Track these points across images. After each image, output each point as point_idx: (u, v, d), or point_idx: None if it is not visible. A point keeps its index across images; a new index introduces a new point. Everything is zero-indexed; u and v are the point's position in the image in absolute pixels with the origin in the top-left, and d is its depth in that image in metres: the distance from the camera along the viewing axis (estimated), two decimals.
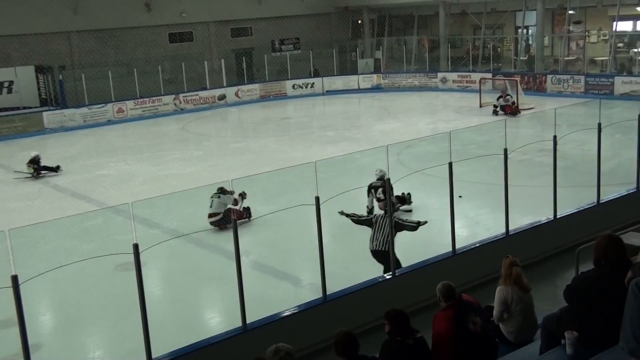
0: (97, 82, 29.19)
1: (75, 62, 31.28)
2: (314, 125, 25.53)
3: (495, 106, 24.59)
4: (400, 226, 9.36)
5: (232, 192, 13.14)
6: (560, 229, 10.59)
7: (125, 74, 30.60)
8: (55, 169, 19.45)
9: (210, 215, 13.09)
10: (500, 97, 24.78)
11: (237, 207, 13.03)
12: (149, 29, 33.22)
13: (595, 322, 5.27)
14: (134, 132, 26.58)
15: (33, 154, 19.43)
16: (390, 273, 8.72)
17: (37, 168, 19.12)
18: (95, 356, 8.90)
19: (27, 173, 19.09)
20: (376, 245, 9.44)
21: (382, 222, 9.40)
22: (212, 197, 13.23)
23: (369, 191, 13.61)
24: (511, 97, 24.77)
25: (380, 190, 13.19)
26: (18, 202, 16.38)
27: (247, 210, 13.21)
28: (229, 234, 7.08)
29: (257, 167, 17.21)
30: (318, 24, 38.06)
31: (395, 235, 9.04)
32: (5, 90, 28.87)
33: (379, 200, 13.14)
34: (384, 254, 9.19)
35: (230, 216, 12.01)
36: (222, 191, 13.21)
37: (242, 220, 12.80)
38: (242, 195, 13.20)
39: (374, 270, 9.29)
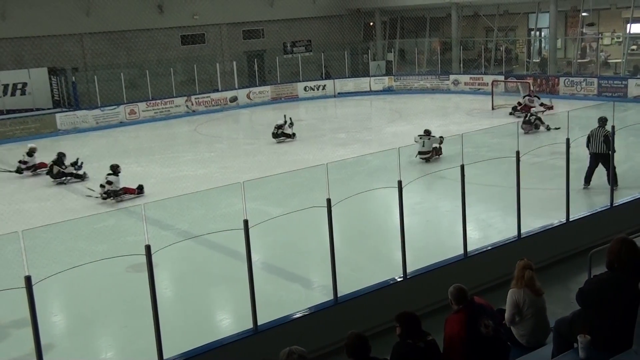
0: (109, 84, 29.35)
1: (88, 64, 31.47)
2: (326, 128, 25.52)
3: (519, 103, 24.68)
4: (607, 140, 12.64)
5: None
6: (573, 232, 10.52)
7: (138, 75, 30.77)
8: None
9: (421, 153, 17.89)
10: (526, 95, 24.83)
11: (440, 145, 18.14)
12: (161, 31, 33.36)
13: (608, 326, 5.22)
14: (146, 134, 26.69)
15: None
16: (402, 275, 8.70)
17: None
18: (106, 357, 8.93)
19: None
20: (594, 149, 13.47)
21: (597, 132, 13.45)
22: (422, 139, 18.04)
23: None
24: (538, 98, 24.63)
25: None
26: (31, 203, 16.48)
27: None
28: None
29: (268, 169, 17.24)
30: (330, 26, 38.08)
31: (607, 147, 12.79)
32: (18, 92, 29.11)
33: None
34: (600, 156, 13.35)
35: (434, 153, 17.95)
36: (428, 134, 18.23)
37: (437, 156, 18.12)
38: (442, 140, 17.98)
39: (385, 272, 9.28)
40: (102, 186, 16.35)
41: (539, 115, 23.04)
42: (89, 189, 16.93)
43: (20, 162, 19.86)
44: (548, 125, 20.96)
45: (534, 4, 32.99)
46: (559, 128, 19.95)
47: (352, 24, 39.65)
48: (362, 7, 38.13)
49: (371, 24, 39.79)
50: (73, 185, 18.29)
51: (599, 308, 5.30)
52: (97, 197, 16.42)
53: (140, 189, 16.85)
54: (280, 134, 22.47)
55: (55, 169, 18.72)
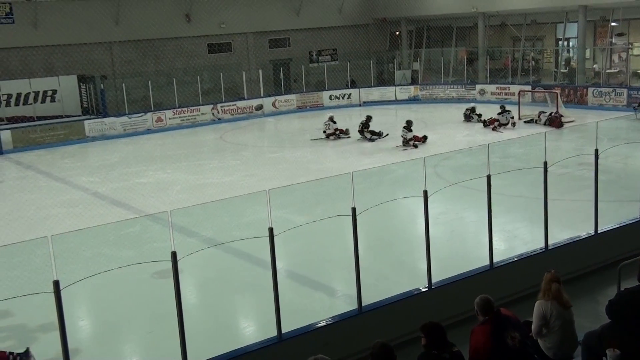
0: (137, 92, 29.69)
1: (116, 71, 31.88)
2: (351, 136, 25.50)
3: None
4: None
5: None
6: (602, 245, 10.37)
7: (165, 83, 31.08)
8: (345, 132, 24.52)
9: (503, 124, 24.15)
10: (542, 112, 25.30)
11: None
12: (189, 39, 33.71)
13: (638, 340, 5.14)
14: (172, 141, 26.91)
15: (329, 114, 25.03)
16: (427, 286, 8.64)
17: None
18: None
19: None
20: None
21: None
22: (504, 115, 23.96)
23: None
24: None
25: None
26: (60, 208, 16.69)
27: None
28: None
29: (293, 177, 17.28)
30: (356, 35, 38.15)
31: None
32: (48, 99, 29.58)
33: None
34: None
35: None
36: (505, 109, 24.38)
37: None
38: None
39: (409, 282, 9.23)
40: (405, 140, 21.74)
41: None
42: (403, 146, 21.80)
43: (335, 129, 24.56)
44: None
45: (562, 14, 32.72)
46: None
47: (378, 33, 39.67)
48: (388, 16, 38.15)
49: (397, 33, 39.78)
50: (100, 191, 18.46)
51: (630, 321, 5.22)
52: (404, 150, 21.37)
53: (425, 138, 22.18)
54: (471, 115, 26.02)
55: (364, 130, 23.83)
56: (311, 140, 24.50)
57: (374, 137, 23.63)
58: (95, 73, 30.58)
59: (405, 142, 21.77)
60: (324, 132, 24.54)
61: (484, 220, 9.20)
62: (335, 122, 24.57)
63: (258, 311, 10.07)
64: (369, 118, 24.15)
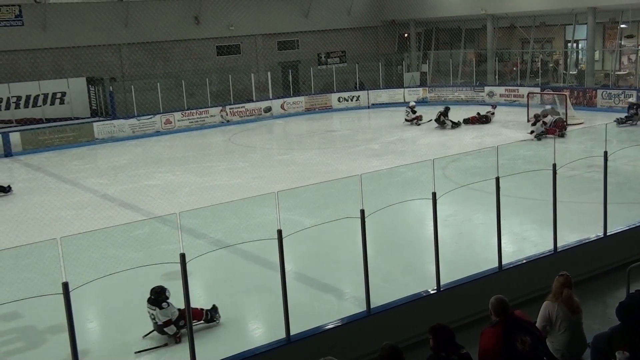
0: (146, 94, 29.77)
1: (125, 74, 31.99)
2: (359, 138, 25.52)
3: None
4: None
5: None
6: (611, 247, 10.33)
7: (174, 86, 31.17)
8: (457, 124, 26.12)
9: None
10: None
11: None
12: (198, 41, 33.82)
13: None
14: (181, 144, 26.99)
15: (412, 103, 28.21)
16: (435, 288, 8.62)
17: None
18: None
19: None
20: None
21: None
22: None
23: None
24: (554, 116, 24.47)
25: None
26: (68, 210, 16.76)
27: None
28: None
29: (302, 180, 17.28)
30: (364, 37, 38.15)
31: None
32: (57, 101, 29.73)
33: None
34: None
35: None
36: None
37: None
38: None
39: (418, 284, 9.21)
40: (531, 132, 22.77)
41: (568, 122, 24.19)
42: (532, 133, 22.62)
43: (413, 118, 27.42)
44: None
45: (571, 16, 32.61)
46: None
47: (387, 35, 39.65)
48: (396, 18, 38.12)
49: (406, 35, 39.74)
50: (109, 193, 18.53)
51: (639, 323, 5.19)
52: (532, 137, 22.28)
53: (563, 132, 22.80)
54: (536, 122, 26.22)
55: (441, 118, 26.10)
56: (403, 123, 27.52)
57: (452, 125, 25.93)
58: (104, 75, 30.70)
59: (539, 136, 22.52)
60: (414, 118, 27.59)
61: (493, 223, 9.18)
62: (415, 112, 27.39)
63: (266, 313, 10.08)
64: (447, 108, 26.62)
